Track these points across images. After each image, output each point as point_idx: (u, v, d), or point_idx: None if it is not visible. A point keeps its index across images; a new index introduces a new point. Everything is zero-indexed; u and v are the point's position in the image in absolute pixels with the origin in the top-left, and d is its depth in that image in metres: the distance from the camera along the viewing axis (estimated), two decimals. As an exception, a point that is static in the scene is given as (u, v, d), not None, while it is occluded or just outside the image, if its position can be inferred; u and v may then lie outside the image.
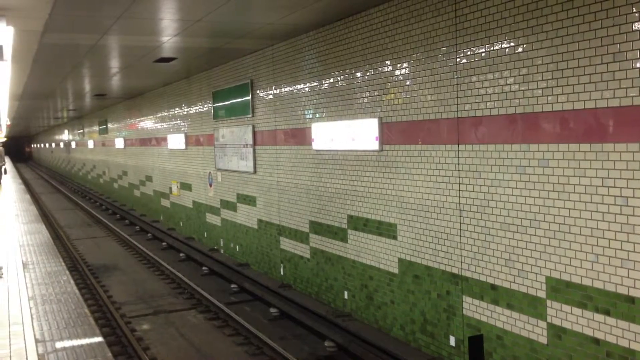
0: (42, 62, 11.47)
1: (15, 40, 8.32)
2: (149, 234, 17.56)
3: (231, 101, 12.84)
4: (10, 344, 6.03)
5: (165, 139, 18.28)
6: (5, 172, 23.38)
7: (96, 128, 30.02)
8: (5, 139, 48.80)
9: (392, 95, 7.58)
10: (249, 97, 11.84)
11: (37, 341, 6.21)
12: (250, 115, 11.88)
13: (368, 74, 8.04)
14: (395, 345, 7.55)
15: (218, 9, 7.62)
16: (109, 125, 26.98)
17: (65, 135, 42.86)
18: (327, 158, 9.24)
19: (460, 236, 6.63)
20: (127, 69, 13.45)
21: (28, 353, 5.81)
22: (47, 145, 60.04)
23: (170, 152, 17.90)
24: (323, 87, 9.19)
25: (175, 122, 17.29)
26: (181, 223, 17.32)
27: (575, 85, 5.14)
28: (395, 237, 7.74)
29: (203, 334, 8.76)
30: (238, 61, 12.37)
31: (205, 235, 15.27)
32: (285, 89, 10.43)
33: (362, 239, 8.47)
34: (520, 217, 5.82)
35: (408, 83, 7.27)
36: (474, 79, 6.25)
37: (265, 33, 9.54)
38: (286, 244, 10.81)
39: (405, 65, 7.31)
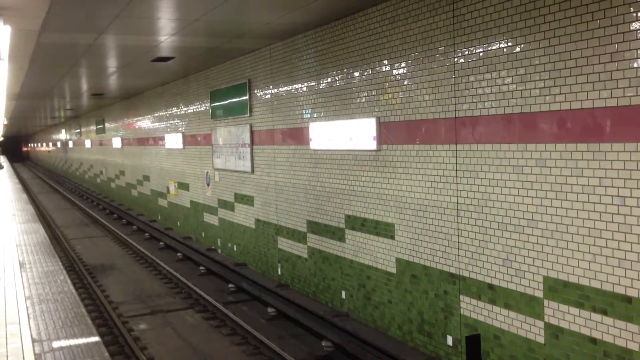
0: (39, 62, 11.45)
1: (12, 40, 8.30)
2: (147, 234, 17.54)
3: (229, 101, 12.83)
4: (7, 344, 6.02)
5: (162, 139, 18.26)
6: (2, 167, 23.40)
7: (93, 128, 29.98)
8: (2, 139, 48.75)
9: (390, 95, 7.58)
10: (247, 97, 11.84)
11: (33, 341, 6.19)
12: (248, 115, 11.88)
13: (366, 73, 8.04)
14: (393, 344, 7.55)
15: (216, 9, 7.62)
16: (107, 124, 26.95)
17: (63, 135, 42.80)
18: (324, 158, 9.24)
19: (458, 236, 6.63)
20: (124, 69, 13.43)
21: (25, 353, 5.80)
22: (45, 144, 59.94)
23: (168, 151, 17.89)
24: (321, 87, 9.19)
25: (172, 122, 17.28)
26: (179, 223, 17.30)
27: (572, 85, 5.15)
28: (392, 237, 7.74)
29: (200, 333, 8.74)
30: (236, 61, 12.36)
31: (203, 235, 15.26)
32: (283, 89, 10.42)
33: (359, 239, 8.47)
34: (518, 217, 5.83)
35: (406, 83, 7.27)
36: (471, 78, 6.26)
37: (262, 33, 9.53)
38: (284, 243, 10.81)
39: (403, 65, 7.31)
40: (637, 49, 4.61)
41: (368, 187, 8.18)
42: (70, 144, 39.69)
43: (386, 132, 7.70)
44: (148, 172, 20.52)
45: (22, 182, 39.28)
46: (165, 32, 9.19)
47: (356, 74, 8.26)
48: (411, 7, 7.10)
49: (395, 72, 7.46)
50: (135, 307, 10.12)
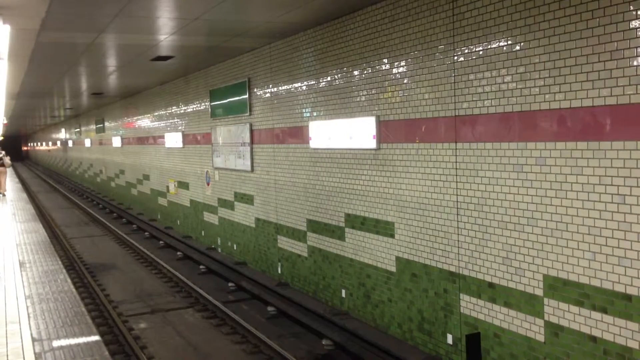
0: (38, 61, 11.44)
1: (11, 39, 8.30)
2: (146, 233, 17.54)
3: (228, 100, 12.83)
4: (7, 343, 6.02)
5: (162, 138, 18.26)
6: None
7: (93, 127, 29.97)
8: (2, 138, 48.77)
9: (390, 93, 7.58)
10: (247, 96, 11.83)
11: (34, 340, 6.19)
12: (248, 114, 11.87)
13: (365, 72, 8.04)
14: (393, 343, 7.56)
15: (215, 7, 7.61)
16: (106, 123, 26.94)
17: (62, 134, 42.79)
18: (324, 156, 9.23)
19: (458, 234, 6.63)
20: (124, 68, 13.42)
21: (25, 352, 5.80)
22: (44, 144, 59.94)
23: (168, 150, 17.88)
24: (320, 86, 9.19)
25: (172, 121, 17.27)
26: (178, 222, 17.30)
27: (572, 83, 5.15)
28: (392, 236, 7.74)
29: (201, 332, 8.75)
30: (235, 59, 12.36)
31: (203, 234, 15.26)
32: (283, 88, 10.42)
33: (359, 238, 8.47)
34: (518, 215, 5.83)
35: (405, 81, 7.27)
36: (471, 77, 6.25)
37: (262, 31, 9.53)
38: (284, 242, 10.81)
39: (402, 63, 7.31)
40: (636, 47, 4.61)
41: (368, 185, 8.18)
42: (70, 143, 39.69)
43: (386, 131, 7.70)
44: (148, 171, 20.51)
45: (22, 181, 39.28)
46: (165, 31, 9.18)
47: (356, 72, 8.26)
48: (411, 6, 7.10)
49: (394, 70, 7.46)
50: (135, 306, 10.12)
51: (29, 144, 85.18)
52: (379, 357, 7.08)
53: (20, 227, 14.51)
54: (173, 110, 17.12)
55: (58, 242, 16.42)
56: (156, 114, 18.89)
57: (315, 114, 9.41)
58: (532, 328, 5.74)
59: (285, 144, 10.51)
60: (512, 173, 5.86)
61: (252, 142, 11.84)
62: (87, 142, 32.34)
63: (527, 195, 5.71)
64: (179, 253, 14.26)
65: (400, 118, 7.40)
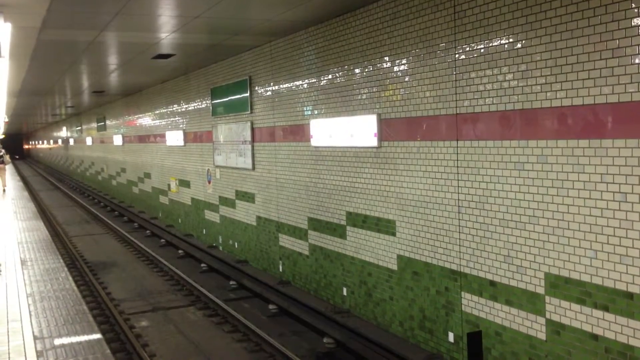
0: (40, 59, 11.44)
1: (12, 37, 8.29)
2: (148, 231, 17.55)
3: (229, 98, 12.82)
4: (9, 341, 6.03)
5: (163, 136, 18.26)
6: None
7: (94, 125, 29.98)
8: (3, 136, 48.84)
9: (391, 91, 7.57)
10: (248, 94, 11.83)
11: (35, 338, 6.20)
12: (249, 112, 11.87)
13: (367, 70, 8.03)
14: (394, 341, 7.56)
15: (216, 6, 7.61)
16: (107, 122, 26.95)
17: (64, 132, 42.81)
18: (325, 154, 9.23)
19: (459, 232, 6.63)
20: (125, 66, 13.42)
21: (27, 350, 5.81)
22: (46, 142, 59.99)
23: (169, 149, 17.89)
24: (322, 84, 9.18)
25: (173, 119, 17.27)
26: (180, 220, 17.31)
27: (574, 81, 5.14)
28: (394, 234, 7.74)
29: (202, 330, 8.76)
30: (236, 58, 12.35)
31: (204, 232, 15.27)
32: (284, 86, 10.42)
33: (360, 236, 8.47)
34: (519, 213, 5.82)
35: (407, 79, 7.26)
36: (472, 75, 6.24)
37: (263, 29, 9.52)
38: (285, 240, 10.81)
39: (403, 61, 7.30)
40: (638, 45, 4.60)
41: (369, 183, 8.18)
42: (71, 142, 39.70)
43: (387, 129, 7.69)
44: (149, 170, 20.52)
45: (24, 179, 39.31)
46: (166, 29, 9.18)
47: (357, 70, 8.25)
48: (412, 3, 7.09)
49: (396, 68, 7.45)
50: (136, 304, 10.13)
51: (30, 142, 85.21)
52: (381, 355, 7.08)
53: (21, 225, 14.53)
54: (174, 109, 17.12)
55: (59, 240, 16.44)
56: (157, 112, 18.90)
57: (316, 112, 9.40)
58: (533, 326, 5.74)
59: (286, 142, 10.51)
60: (513, 171, 5.86)
61: (253, 140, 11.84)
62: (89, 140, 32.35)
63: (528, 193, 5.70)
64: (180, 251, 14.26)
65: (402, 116, 7.40)
